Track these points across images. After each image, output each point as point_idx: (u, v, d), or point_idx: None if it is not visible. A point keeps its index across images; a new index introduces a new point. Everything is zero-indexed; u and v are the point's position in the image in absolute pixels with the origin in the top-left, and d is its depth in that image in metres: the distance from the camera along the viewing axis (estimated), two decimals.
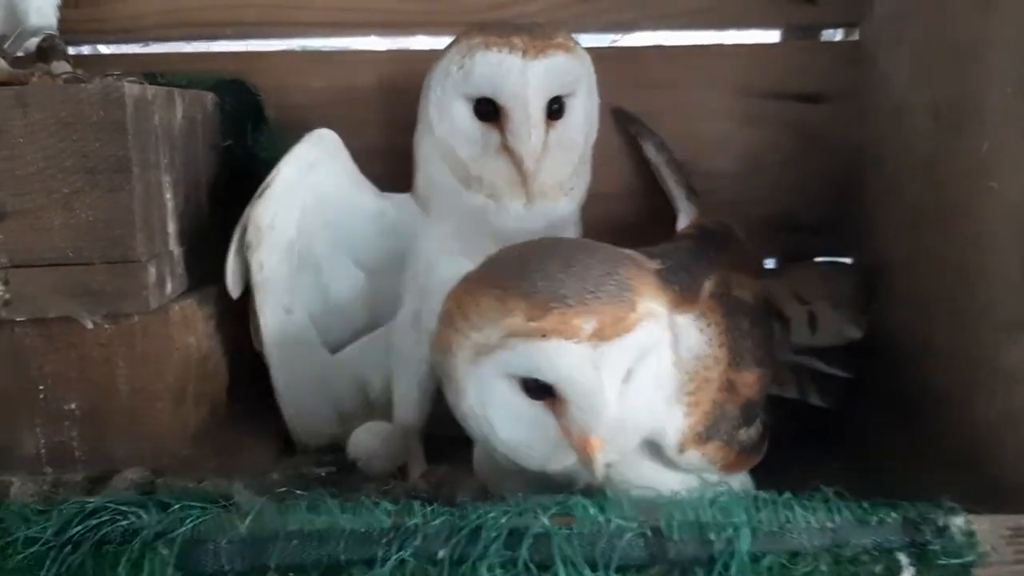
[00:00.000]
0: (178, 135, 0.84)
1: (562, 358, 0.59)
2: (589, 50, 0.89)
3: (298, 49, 1.10)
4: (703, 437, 0.69)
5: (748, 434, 0.73)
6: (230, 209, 0.95)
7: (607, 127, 1.02)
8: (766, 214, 1.03)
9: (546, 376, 0.61)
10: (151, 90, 0.78)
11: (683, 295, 0.70)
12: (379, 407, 0.89)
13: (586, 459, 0.62)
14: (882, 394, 0.90)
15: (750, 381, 0.72)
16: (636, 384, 0.63)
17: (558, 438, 0.63)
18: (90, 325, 0.76)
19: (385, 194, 0.92)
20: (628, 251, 0.68)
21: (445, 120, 0.86)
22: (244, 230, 0.85)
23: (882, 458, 0.84)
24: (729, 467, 0.71)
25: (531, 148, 0.84)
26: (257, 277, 0.85)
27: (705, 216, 0.92)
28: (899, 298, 0.90)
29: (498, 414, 0.64)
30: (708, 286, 0.74)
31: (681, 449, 0.68)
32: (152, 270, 0.76)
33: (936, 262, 0.81)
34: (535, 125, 0.84)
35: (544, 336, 0.58)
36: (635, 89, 1.03)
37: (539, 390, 0.62)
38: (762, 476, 0.76)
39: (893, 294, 0.91)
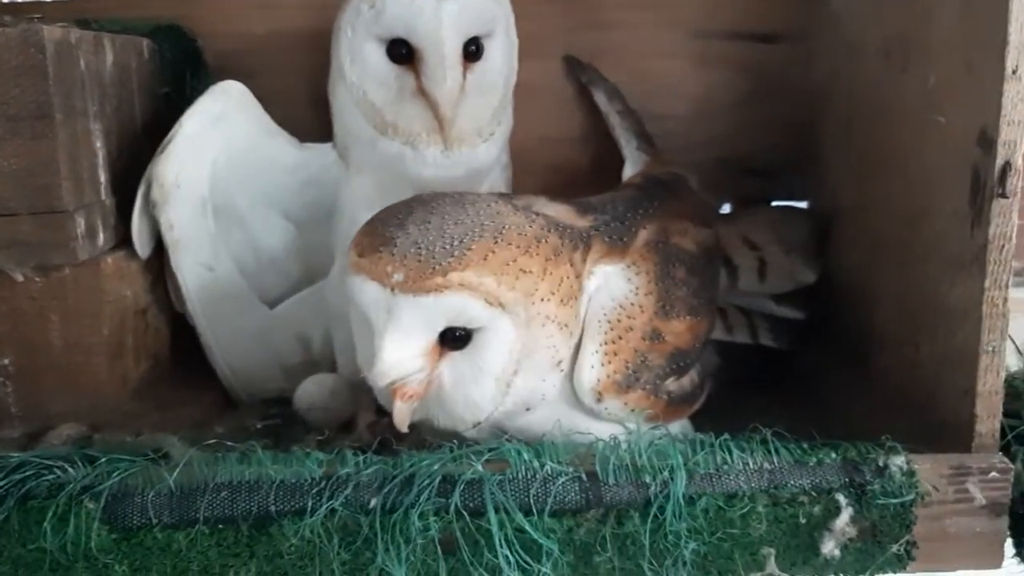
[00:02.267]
0: (108, 82, 0.81)
1: (366, 295, 0.62)
2: None
3: None
4: (623, 386, 0.68)
5: (679, 384, 0.72)
6: None
7: (559, 72, 1.01)
8: (719, 157, 1.02)
9: (359, 307, 0.64)
10: (75, 34, 0.75)
11: (613, 246, 0.71)
12: (323, 361, 0.87)
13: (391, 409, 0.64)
14: (831, 336, 0.89)
15: (680, 330, 0.71)
16: (470, 354, 0.64)
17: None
18: (20, 278, 0.74)
19: (305, 144, 0.89)
20: (538, 215, 0.67)
21: (357, 63, 0.83)
22: (148, 187, 0.82)
23: (830, 400, 0.83)
24: (657, 417, 0.70)
25: (447, 91, 0.81)
26: (168, 236, 0.83)
27: (658, 166, 0.91)
28: (850, 240, 0.89)
29: (353, 331, 0.69)
30: (643, 235, 0.73)
31: (599, 398, 0.68)
32: (81, 220, 0.74)
33: (885, 203, 0.80)
34: (451, 67, 0.80)
35: (359, 272, 0.62)
36: (586, 31, 1.00)
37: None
38: (706, 419, 0.76)
39: (844, 236, 0.90)
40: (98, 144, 0.79)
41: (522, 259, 0.63)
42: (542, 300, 0.64)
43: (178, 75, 0.94)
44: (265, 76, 0.96)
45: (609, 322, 0.68)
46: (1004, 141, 0.62)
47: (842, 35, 0.91)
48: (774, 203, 1.03)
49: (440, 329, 0.63)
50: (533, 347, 0.65)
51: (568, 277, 0.66)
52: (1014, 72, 0.61)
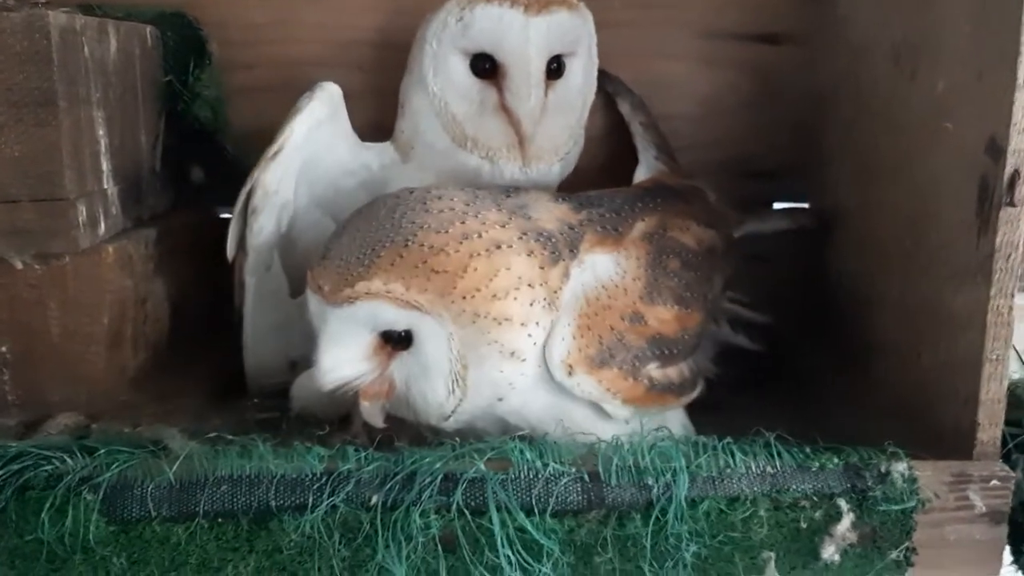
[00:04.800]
0: (112, 69, 0.81)
1: (312, 306, 0.67)
2: None
3: None
4: (595, 362, 0.68)
5: (664, 372, 0.72)
6: (171, 148, 0.93)
7: None
8: (723, 158, 1.01)
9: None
10: (80, 20, 0.75)
11: (605, 236, 0.72)
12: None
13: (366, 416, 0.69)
14: (831, 341, 0.89)
15: (665, 317, 0.71)
16: (414, 353, 0.66)
17: None
18: (19, 265, 0.74)
19: (366, 144, 0.87)
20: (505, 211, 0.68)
21: (440, 75, 0.83)
22: (250, 194, 0.80)
23: (830, 405, 0.83)
24: (637, 401, 0.70)
25: (530, 109, 0.81)
26: (255, 241, 0.81)
27: (672, 177, 0.91)
28: (852, 244, 0.89)
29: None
30: (641, 227, 0.74)
31: (570, 372, 0.67)
32: (82, 208, 0.74)
33: (890, 208, 0.80)
34: (535, 85, 0.81)
35: (309, 285, 0.67)
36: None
37: None
38: (708, 422, 0.75)
39: (847, 241, 0.90)
40: (100, 132, 0.78)
41: (434, 260, 0.63)
42: (465, 297, 0.64)
43: (181, 63, 0.93)
44: (269, 67, 0.96)
45: (587, 299, 0.69)
46: (1014, 150, 0.61)
47: (848, 38, 0.91)
48: (776, 204, 1.03)
49: (368, 334, 0.66)
50: (473, 342, 0.65)
51: (508, 269, 0.65)
52: None
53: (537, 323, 0.67)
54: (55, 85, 0.70)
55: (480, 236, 0.65)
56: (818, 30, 0.97)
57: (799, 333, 0.94)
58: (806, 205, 1.01)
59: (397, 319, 0.64)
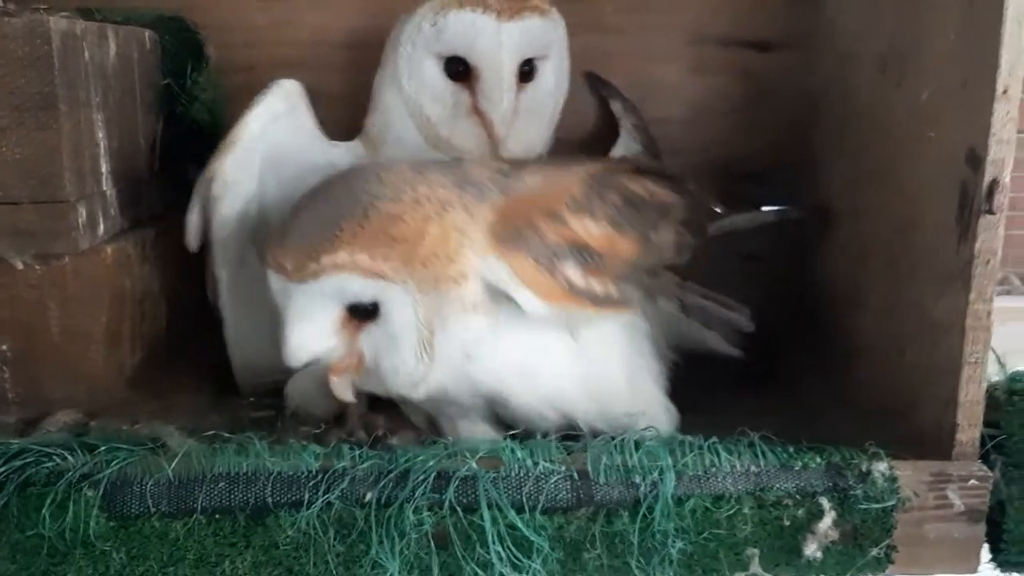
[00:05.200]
0: (111, 73, 0.82)
1: (274, 287, 0.68)
2: None
3: None
4: (505, 241, 0.67)
5: (586, 280, 0.70)
6: (169, 150, 0.94)
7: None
8: (713, 161, 1.03)
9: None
10: (80, 25, 0.76)
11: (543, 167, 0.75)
12: None
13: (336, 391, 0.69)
14: (819, 342, 0.91)
15: (594, 231, 0.70)
16: (381, 324, 0.67)
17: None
18: (20, 266, 0.75)
19: (334, 143, 0.89)
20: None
21: (415, 78, 0.85)
22: (209, 183, 0.81)
23: (816, 406, 0.84)
24: (553, 300, 0.68)
25: (502, 112, 0.83)
26: (220, 233, 0.83)
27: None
28: (839, 247, 0.90)
29: None
30: (584, 168, 0.74)
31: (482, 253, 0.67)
32: (82, 210, 0.75)
33: (876, 213, 0.82)
34: (507, 88, 0.83)
35: (264, 266, 0.68)
36: (586, 34, 1.00)
37: None
38: (696, 422, 0.77)
39: (834, 243, 0.91)
40: (100, 135, 0.79)
41: (393, 228, 0.65)
42: (425, 265, 0.65)
43: (179, 67, 0.94)
44: (267, 70, 0.96)
45: (507, 195, 0.69)
46: (992, 159, 0.63)
47: (837, 46, 0.92)
48: (764, 208, 1.04)
49: (336, 308, 0.67)
50: (436, 306, 0.66)
51: (456, 230, 0.66)
52: (1004, 92, 0.62)
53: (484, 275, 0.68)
54: (56, 89, 0.71)
55: (430, 200, 0.66)
56: (807, 37, 0.99)
57: (788, 335, 0.95)
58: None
59: (364, 290, 0.65)
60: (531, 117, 0.87)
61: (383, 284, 0.65)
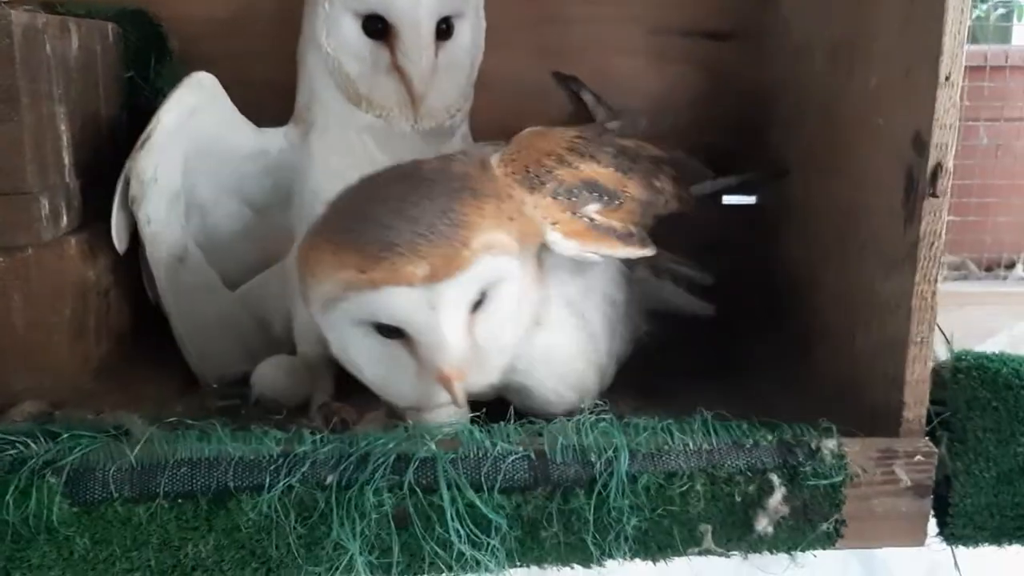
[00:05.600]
0: (74, 66, 0.82)
1: (397, 303, 0.61)
2: None
3: None
4: (525, 185, 0.68)
5: (605, 218, 0.71)
6: (133, 142, 0.94)
7: (521, 64, 1.03)
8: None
9: (388, 321, 0.63)
10: (41, 18, 0.76)
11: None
12: (285, 342, 0.89)
13: (448, 391, 0.63)
14: (778, 328, 0.92)
15: (601, 171, 0.72)
16: (492, 309, 0.65)
17: (419, 374, 0.65)
18: None
19: (263, 130, 0.90)
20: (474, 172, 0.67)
21: (333, 36, 0.86)
22: (127, 184, 0.82)
23: (775, 389, 0.86)
24: (579, 237, 0.69)
25: (421, 69, 0.85)
26: (146, 231, 0.84)
27: None
28: (796, 234, 0.92)
29: (360, 356, 0.67)
30: (574, 128, 0.77)
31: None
32: (45, 202, 0.75)
33: (828, 199, 0.83)
34: (425, 45, 0.84)
35: (376, 286, 0.60)
36: (548, 25, 1.03)
37: (391, 331, 0.64)
38: (657, 406, 0.78)
39: (791, 231, 0.93)
40: (63, 127, 0.80)
41: (500, 203, 0.64)
42: (528, 233, 0.66)
43: (142, 60, 0.95)
44: (229, 62, 0.97)
45: (516, 142, 0.71)
46: (936, 144, 0.65)
47: (792, 36, 0.94)
48: (725, 198, 1.06)
49: (471, 302, 0.63)
50: (530, 277, 0.67)
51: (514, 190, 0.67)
52: (947, 79, 0.64)
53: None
54: (18, 82, 0.72)
55: (492, 175, 0.67)
56: (763, 28, 1.00)
57: (750, 321, 0.97)
58: (753, 199, 1.05)
59: (496, 270, 0.63)
60: (450, 74, 0.88)
61: (509, 259, 0.64)
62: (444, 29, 0.86)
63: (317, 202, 0.68)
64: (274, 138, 0.90)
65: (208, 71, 0.90)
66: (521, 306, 0.67)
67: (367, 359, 0.67)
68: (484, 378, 0.68)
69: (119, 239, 0.84)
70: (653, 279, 0.87)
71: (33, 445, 0.62)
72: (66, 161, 0.80)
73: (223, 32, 0.99)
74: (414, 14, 0.83)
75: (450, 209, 0.61)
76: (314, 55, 0.87)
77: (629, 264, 0.81)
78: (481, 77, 0.92)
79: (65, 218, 0.79)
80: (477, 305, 0.64)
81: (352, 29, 0.85)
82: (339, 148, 0.88)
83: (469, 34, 0.89)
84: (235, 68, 0.92)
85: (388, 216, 0.61)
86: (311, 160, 0.89)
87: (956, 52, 0.64)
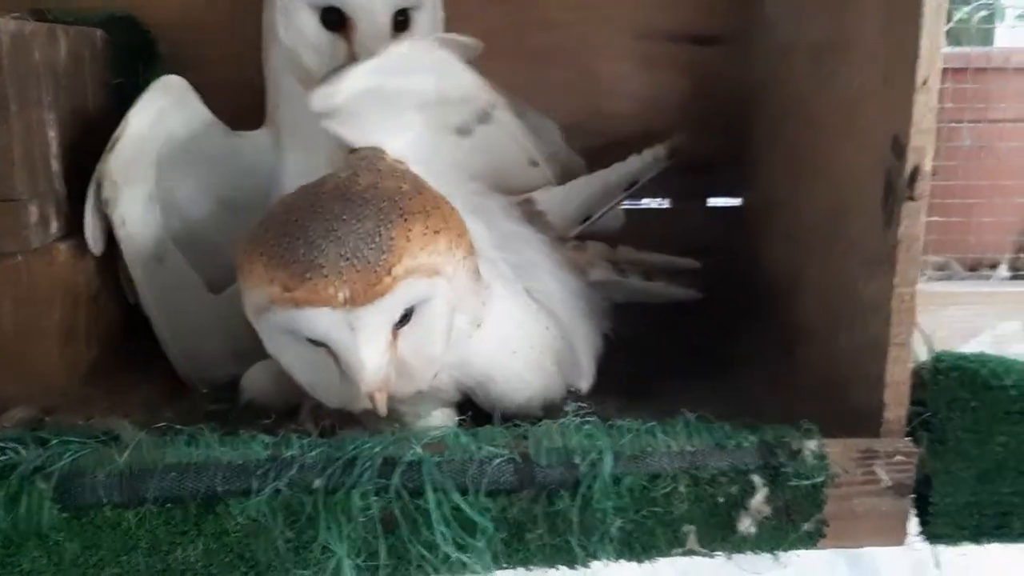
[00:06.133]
0: (63, 72, 0.83)
1: (319, 322, 0.62)
2: None
3: None
4: None
5: None
6: None
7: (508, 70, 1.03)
8: None
9: (310, 336, 0.64)
10: (29, 26, 0.77)
11: None
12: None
13: (371, 401, 0.65)
14: (763, 329, 0.93)
15: None
16: (419, 324, 0.65)
17: (343, 380, 0.66)
18: None
19: (238, 132, 0.91)
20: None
21: (292, 29, 0.86)
22: (99, 185, 0.83)
23: (760, 390, 0.87)
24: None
25: None
26: (121, 232, 0.84)
27: None
28: (779, 235, 0.93)
29: (291, 360, 0.68)
30: None
31: None
32: (34, 209, 0.76)
33: (811, 200, 0.84)
34: (381, 36, 0.84)
35: (299, 305, 0.61)
36: (534, 29, 1.03)
37: (316, 341, 0.64)
38: (642, 406, 0.79)
39: (775, 231, 0.94)
40: (52, 134, 0.80)
41: (429, 221, 0.64)
42: (458, 245, 0.66)
43: (131, 66, 0.95)
44: (219, 66, 0.98)
45: None
46: (914, 147, 0.65)
47: (775, 39, 0.95)
48: (711, 200, 1.07)
49: (393, 321, 0.64)
50: (462, 287, 0.67)
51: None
52: (924, 83, 0.65)
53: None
54: (6, 89, 0.72)
55: (428, 188, 0.67)
56: (748, 31, 1.01)
57: (734, 323, 0.98)
58: (739, 200, 1.06)
59: (422, 291, 0.64)
60: None
61: (437, 279, 0.64)
62: (401, 21, 0.86)
63: None
64: (248, 140, 0.91)
65: (198, 76, 0.91)
66: (452, 318, 0.67)
67: (297, 363, 0.68)
68: (411, 386, 0.69)
69: (94, 241, 0.84)
70: (615, 276, 0.88)
71: (23, 451, 0.63)
72: (55, 168, 0.81)
73: (213, 37, 1.00)
74: (369, 5, 0.84)
75: (376, 233, 0.62)
76: (275, 51, 0.88)
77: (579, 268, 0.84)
78: None
79: (54, 224, 0.80)
80: (405, 319, 0.65)
81: (310, 21, 0.85)
82: (309, 147, 0.87)
83: (427, 26, 0.89)
84: (226, 72, 0.92)
85: (317, 234, 0.62)
86: (283, 162, 0.90)
87: (933, 56, 0.65)
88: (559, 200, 0.87)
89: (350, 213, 0.63)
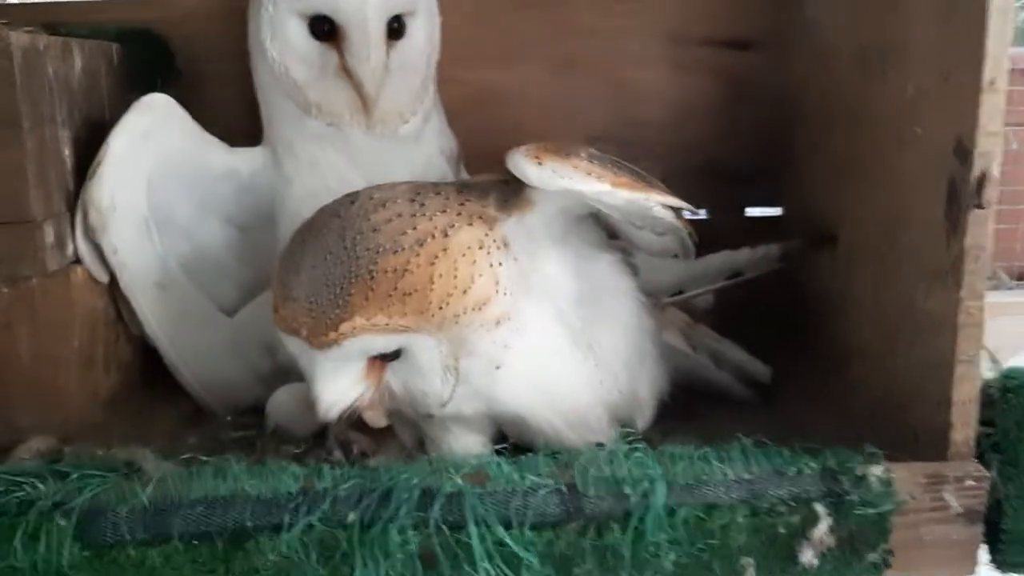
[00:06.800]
0: (77, 88, 0.80)
1: (291, 346, 0.64)
2: None
3: None
4: (557, 152, 0.66)
5: (623, 173, 0.68)
6: None
7: (537, 78, 1.00)
8: (697, 163, 1.02)
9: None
10: (43, 40, 0.74)
11: None
12: (293, 365, 0.86)
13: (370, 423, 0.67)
14: (809, 347, 0.89)
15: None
16: (410, 362, 0.64)
17: None
18: None
19: (235, 149, 0.88)
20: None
21: (278, 40, 0.82)
22: (85, 215, 0.80)
23: (809, 410, 0.83)
24: (624, 186, 0.66)
25: (371, 70, 0.80)
26: (113, 260, 0.81)
27: None
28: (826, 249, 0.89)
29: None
30: None
31: (538, 160, 0.65)
32: (50, 230, 0.74)
33: (860, 211, 0.81)
34: (375, 45, 0.80)
35: (278, 325, 0.63)
36: (565, 36, 1.00)
37: None
38: (686, 428, 0.75)
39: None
40: (67, 152, 0.78)
41: (402, 283, 0.61)
42: (442, 307, 0.63)
43: (149, 81, 0.93)
44: (239, 81, 0.95)
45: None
46: (981, 152, 0.62)
47: (816, 42, 0.91)
48: (749, 210, 1.03)
49: (361, 362, 0.64)
50: (461, 337, 0.64)
51: (463, 255, 0.64)
52: (991, 83, 0.61)
53: (501, 264, 0.65)
54: (18, 106, 0.70)
55: (433, 235, 0.63)
56: (786, 34, 0.98)
57: (780, 340, 0.94)
58: (779, 210, 1.02)
59: (387, 344, 0.63)
60: (403, 76, 0.84)
61: (405, 336, 0.62)
62: (396, 28, 0.83)
63: (296, 224, 0.66)
64: (247, 157, 0.87)
65: (217, 91, 0.88)
66: (449, 360, 0.65)
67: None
68: (407, 406, 0.68)
69: (95, 269, 0.81)
70: (686, 348, 0.84)
71: (41, 486, 0.60)
72: (71, 187, 0.78)
73: (233, 52, 0.96)
74: (361, 13, 0.79)
75: (339, 285, 0.61)
76: (262, 64, 0.84)
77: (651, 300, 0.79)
78: (498, 91, 0.90)
79: (71, 246, 0.77)
80: (396, 354, 0.64)
81: (298, 32, 0.82)
82: (308, 165, 0.85)
83: (423, 32, 0.85)
84: (245, 88, 0.89)
85: (305, 263, 0.63)
86: (286, 181, 0.86)
87: (1000, 55, 0.61)
88: (656, 266, 0.82)
89: (335, 253, 0.63)
